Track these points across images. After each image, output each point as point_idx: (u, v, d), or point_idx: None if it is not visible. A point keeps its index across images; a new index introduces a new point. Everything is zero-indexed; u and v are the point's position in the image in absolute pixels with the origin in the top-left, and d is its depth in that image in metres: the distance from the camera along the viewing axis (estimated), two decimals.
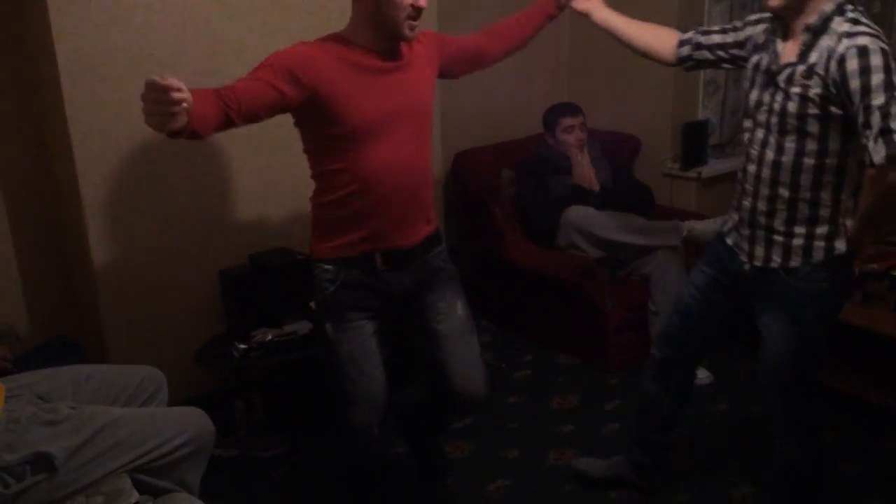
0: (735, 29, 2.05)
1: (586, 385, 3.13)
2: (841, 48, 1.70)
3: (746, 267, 1.98)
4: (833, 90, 1.72)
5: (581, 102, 3.63)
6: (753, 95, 1.91)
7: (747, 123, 1.95)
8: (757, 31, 1.96)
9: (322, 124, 1.86)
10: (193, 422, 1.87)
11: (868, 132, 1.66)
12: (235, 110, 1.70)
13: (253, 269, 2.79)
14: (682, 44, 2.13)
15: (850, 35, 1.70)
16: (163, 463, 1.78)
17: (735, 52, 2.04)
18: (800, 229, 1.87)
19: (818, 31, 1.76)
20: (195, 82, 2.61)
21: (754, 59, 1.94)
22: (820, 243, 1.87)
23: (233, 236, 2.84)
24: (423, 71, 2.01)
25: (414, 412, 2.44)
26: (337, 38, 1.92)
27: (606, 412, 2.92)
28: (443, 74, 2.13)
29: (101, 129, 2.46)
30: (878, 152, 1.65)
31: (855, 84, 1.67)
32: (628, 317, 3.18)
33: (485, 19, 2.36)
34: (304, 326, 2.72)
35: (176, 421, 1.85)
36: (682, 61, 2.15)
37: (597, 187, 3.43)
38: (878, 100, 1.64)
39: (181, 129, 1.55)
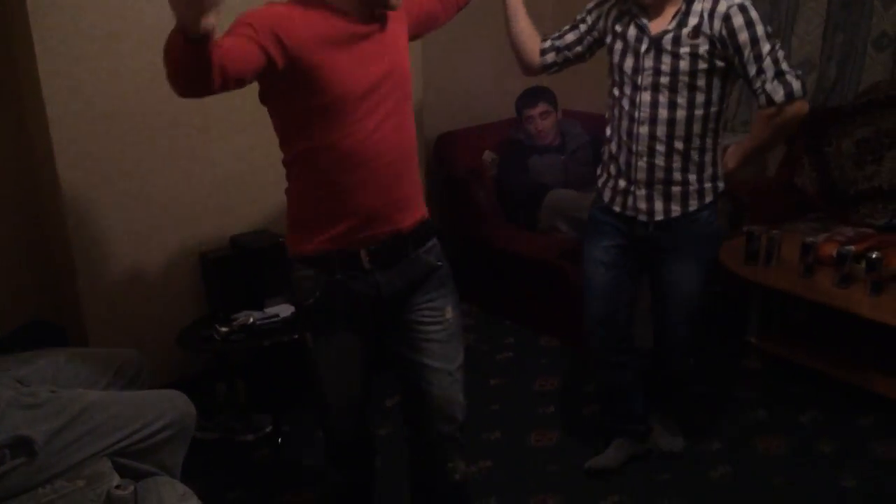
0: (583, 20, 2.24)
1: (568, 367, 3.15)
2: (721, 8, 1.95)
3: (650, 227, 2.16)
4: (719, 45, 1.96)
5: (562, 84, 3.62)
6: (629, 63, 2.08)
7: (622, 91, 2.12)
8: (604, 10, 2.18)
9: (300, 95, 1.62)
10: (174, 405, 1.87)
11: (763, 76, 1.94)
12: (229, 69, 1.43)
13: (234, 252, 2.78)
14: (543, 52, 2.28)
15: None
16: (144, 446, 1.77)
17: (590, 38, 2.23)
18: (692, 176, 2.11)
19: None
20: None
21: (615, 31, 2.12)
22: (708, 185, 2.14)
23: (213, 218, 2.82)
24: (399, 30, 1.77)
25: None
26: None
27: (588, 394, 2.94)
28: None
29: (78, 110, 2.43)
30: (776, 92, 1.94)
31: (743, 37, 1.93)
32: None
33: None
34: (286, 309, 2.71)
35: (157, 404, 1.84)
36: (547, 68, 2.30)
37: None
38: (766, 47, 1.93)
39: (206, 33, 1.29)
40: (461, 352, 1.88)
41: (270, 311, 2.71)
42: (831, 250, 2.77)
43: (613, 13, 2.14)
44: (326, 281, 1.73)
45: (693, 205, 2.13)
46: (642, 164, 2.11)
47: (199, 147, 2.73)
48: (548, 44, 2.28)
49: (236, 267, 2.74)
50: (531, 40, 2.29)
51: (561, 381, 3.04)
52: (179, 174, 2.71)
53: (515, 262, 3.40)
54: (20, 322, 2.53)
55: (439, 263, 1.85)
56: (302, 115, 1.66)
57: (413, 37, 1.92)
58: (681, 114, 2.03)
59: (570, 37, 2.26)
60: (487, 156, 3.65)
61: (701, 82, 2.00)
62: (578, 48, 2.25)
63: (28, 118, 2.56)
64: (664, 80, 2.02)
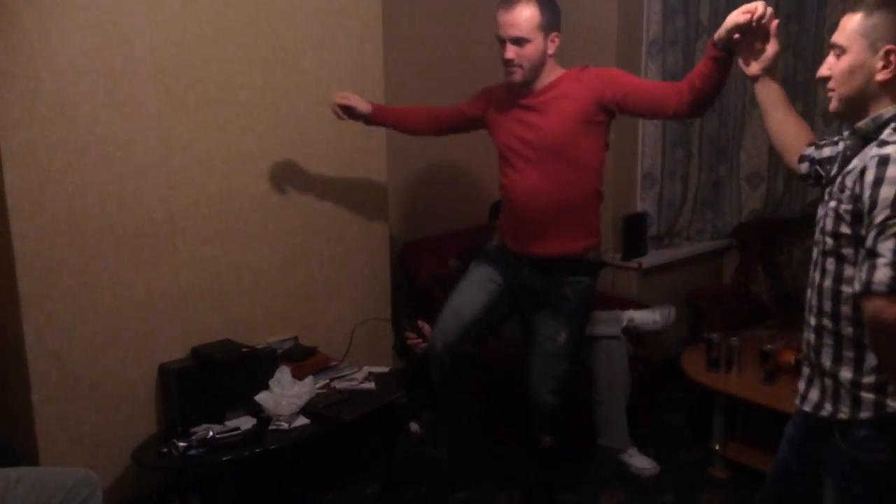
0: (842, 138, 1.73)
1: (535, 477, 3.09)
2: (868, 157, 1.49)
3: None
4: (860, 206, 1.49)
5: None
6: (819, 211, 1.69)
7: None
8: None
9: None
10: None
11: (861, 251, 1.49)
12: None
13: (195, 363, 2.73)
14: (801, 159, 1.83)
15: (883, 143, 1.49)
16: None
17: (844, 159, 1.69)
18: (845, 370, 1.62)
19: (867, 137, 1.56)
20: (144, 175, 2.63)
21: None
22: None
23: (174, 329, 2.78)
24: (562, 108, 2.38)
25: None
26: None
27: (556, 501, 2.89)
28: (617, 110, 2.40)
29: (43, 223, 2.42)
30: (858, 279, 1.48)
31: (866, 196, 1.46)
32: (573, 407, 3.19)
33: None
34: (247, 421, 2.65)
35: None
36: (804, 178, 1.86)
37: None
38: (880, 216, 1.43)
39: None
40: (560, 364, 2.62)
41: (231, 423, 2.64)
42: (790, 358, 2.83)
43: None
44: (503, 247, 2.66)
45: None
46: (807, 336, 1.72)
47: (162, 257, 2.73)
48: (807, 150, 1.81)
49: (197, 378, 2.69)
50: (789, 137, 1.85)
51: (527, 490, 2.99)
52: (142, 285, 2.69)
53: (479, 370, 3.38)
54: None
55: (572, 297, 2.54)
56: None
57: (627, 111, 2.42)
58: (828, 283, 1.63)
59: (826, 151, 1.76)
60: (453, 263, 3.69)
61: (846, 251, 1.56)
62: (829, 167, 1.70)
63: None
64: (819, 237, 1.65)
